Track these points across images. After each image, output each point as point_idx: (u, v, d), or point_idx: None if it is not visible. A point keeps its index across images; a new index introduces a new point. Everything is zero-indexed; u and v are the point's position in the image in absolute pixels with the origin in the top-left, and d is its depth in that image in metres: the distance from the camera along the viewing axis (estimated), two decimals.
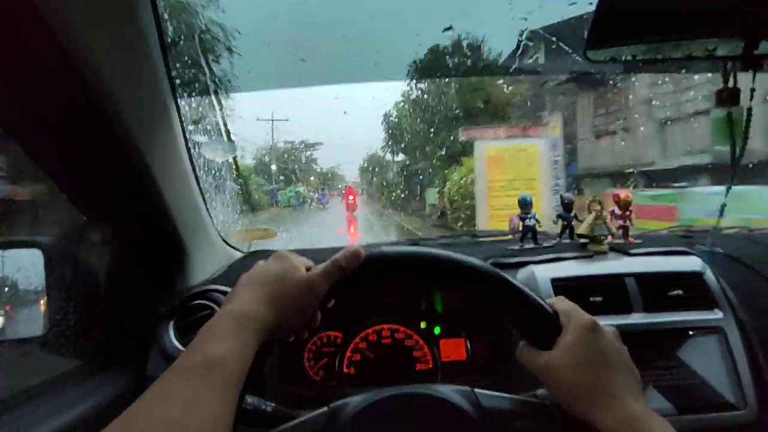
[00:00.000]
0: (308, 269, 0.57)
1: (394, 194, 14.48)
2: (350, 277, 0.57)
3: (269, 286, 0.53)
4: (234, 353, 0.46)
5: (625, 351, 0.56)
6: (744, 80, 0.70)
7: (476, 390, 0.60)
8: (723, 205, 0.88)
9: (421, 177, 13.08)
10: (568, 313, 0.57)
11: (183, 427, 0.38)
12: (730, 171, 0.82)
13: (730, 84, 0.70)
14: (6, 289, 0.91)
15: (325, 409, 0.59)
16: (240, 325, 0.49)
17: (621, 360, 0.55)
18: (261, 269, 0.56)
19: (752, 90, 0.71)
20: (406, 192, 13.80)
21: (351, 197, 12.50)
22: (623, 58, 0.65)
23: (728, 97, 0.68)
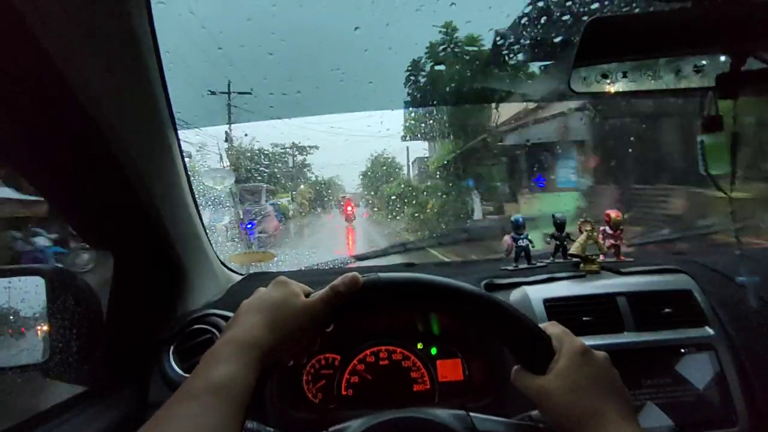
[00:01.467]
0: (307, 295, 0.59)
1: (427, 208, 8.74)
2: (349, 302, 0.58)
3: (270, 313, 0.55)
4: (237, 377, 0.48)
5: (616, 375, 0.58)
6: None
7: (472, 414, 0.61)
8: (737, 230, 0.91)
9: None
10: (560, 337, 0.59)
11: None
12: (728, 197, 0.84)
13: (712, 112, 0.73)
14: (8, 316, 0.93)
15: None
16: (242, 351, 0.50)
17: (613, 384, 0.56)
18: (261, 296, 0.58)
19: (734, 117, 0.74)
20: (452, 205, 8.19)
21: (349, 208, 12.40)
22: (605, 89, 0.68)
23: (710, 123, 0.72)
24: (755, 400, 0.90)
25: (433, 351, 1.10)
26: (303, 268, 1.45)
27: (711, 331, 0.96)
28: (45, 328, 0.90)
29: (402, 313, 1.11)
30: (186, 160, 0.98)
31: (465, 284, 0.60)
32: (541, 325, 0.61)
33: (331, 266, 1.44)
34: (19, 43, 0.57)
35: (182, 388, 0.47)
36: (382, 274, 0.61)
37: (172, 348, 0.95)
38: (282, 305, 0.56)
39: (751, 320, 0.98)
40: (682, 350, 0.94)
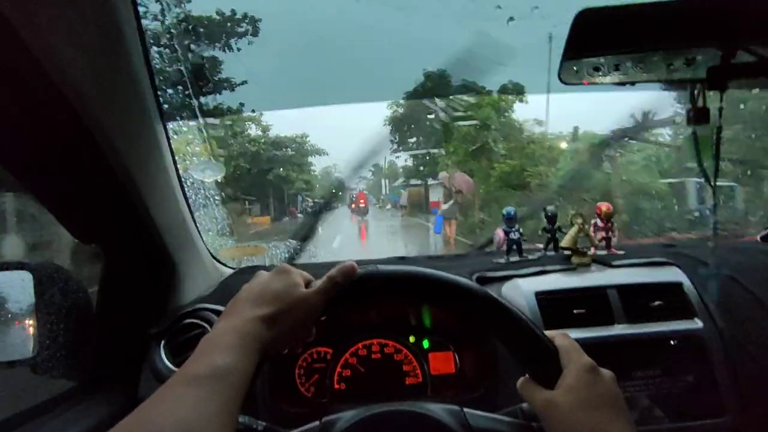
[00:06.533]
0: (308, 284, 0.58)
1: None
2: (345, 293, 0.58)
3: (271, 305, 0.54)
4: (238, 366, 0.48)
5: (621, 394, 0.57)
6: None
7: (465, 409, 0.61)
8: (715, 223, 0.91)
9: None
10: (568, 351, 0.58)
11: (194, 429, 0.40)
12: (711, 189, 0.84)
13: (700, 104, 0.73)
14: None
15: (317, 423, 0.60)
16: (243, 340, 0.50)
17: (618, 404, 0.56)
18: (263, 285, 0.57)
19: (720, 109, 0.74)
20: None
21: (362, 201, 11.58)
22: (594, 81, 0.68)
23: (697, 116, 0.72)
24: (743, 391, 0.91)
25: (426, 344, 1.10)
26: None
27: (700, 323, 0.97)
28: (33, 322, 0.89)
29: (394, 306, 1.11)
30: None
31: (469, 282, 0.58)
32: (548, 334, 0.59)
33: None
34: (1, 38, 0.56)
35: (184, 370, 0.46)
36: (381, 266, 0.60)
37: (163, 343, 0.94)
38: (283, 297, 0.55)
39: (740, 312, 0.99)
40: (672, 342, 0.95)
